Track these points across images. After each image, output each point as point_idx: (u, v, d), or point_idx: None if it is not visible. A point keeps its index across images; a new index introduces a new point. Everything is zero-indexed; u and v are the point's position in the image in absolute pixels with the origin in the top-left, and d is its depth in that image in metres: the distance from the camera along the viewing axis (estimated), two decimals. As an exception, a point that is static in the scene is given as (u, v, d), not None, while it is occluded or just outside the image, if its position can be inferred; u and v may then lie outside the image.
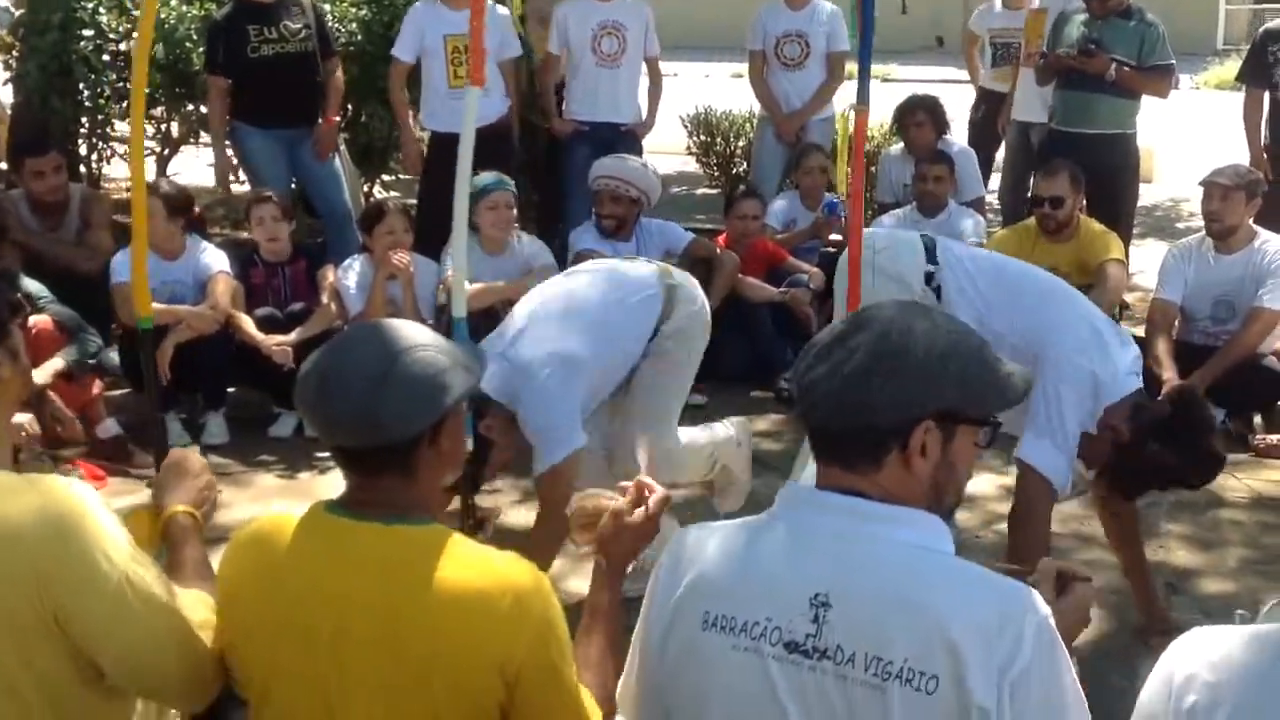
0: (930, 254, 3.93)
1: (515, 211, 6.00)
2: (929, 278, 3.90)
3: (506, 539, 3.72)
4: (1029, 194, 6.36)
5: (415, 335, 2.00)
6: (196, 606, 2.05)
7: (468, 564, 1.91)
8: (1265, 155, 6.59)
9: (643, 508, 2.19)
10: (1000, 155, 8.01)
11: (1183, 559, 4.47)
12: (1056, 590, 2.07)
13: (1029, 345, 3.66)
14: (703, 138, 10.22)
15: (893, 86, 10.60)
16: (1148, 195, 10.29)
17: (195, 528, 2.26)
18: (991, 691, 1.66)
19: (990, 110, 8.03)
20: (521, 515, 4.87)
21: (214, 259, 5.75)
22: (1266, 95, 6.65)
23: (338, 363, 1.97)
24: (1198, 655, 1.64)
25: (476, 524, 3.00)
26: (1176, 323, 5.85)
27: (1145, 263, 7.38)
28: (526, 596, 1.90)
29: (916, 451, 1.79)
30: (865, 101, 3.67)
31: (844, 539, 1.78)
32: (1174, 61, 6.61)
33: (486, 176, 5.78)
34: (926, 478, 1.80)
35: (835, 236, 7.20)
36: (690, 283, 4.15)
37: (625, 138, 7.00)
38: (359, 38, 8.04)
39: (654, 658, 1.88)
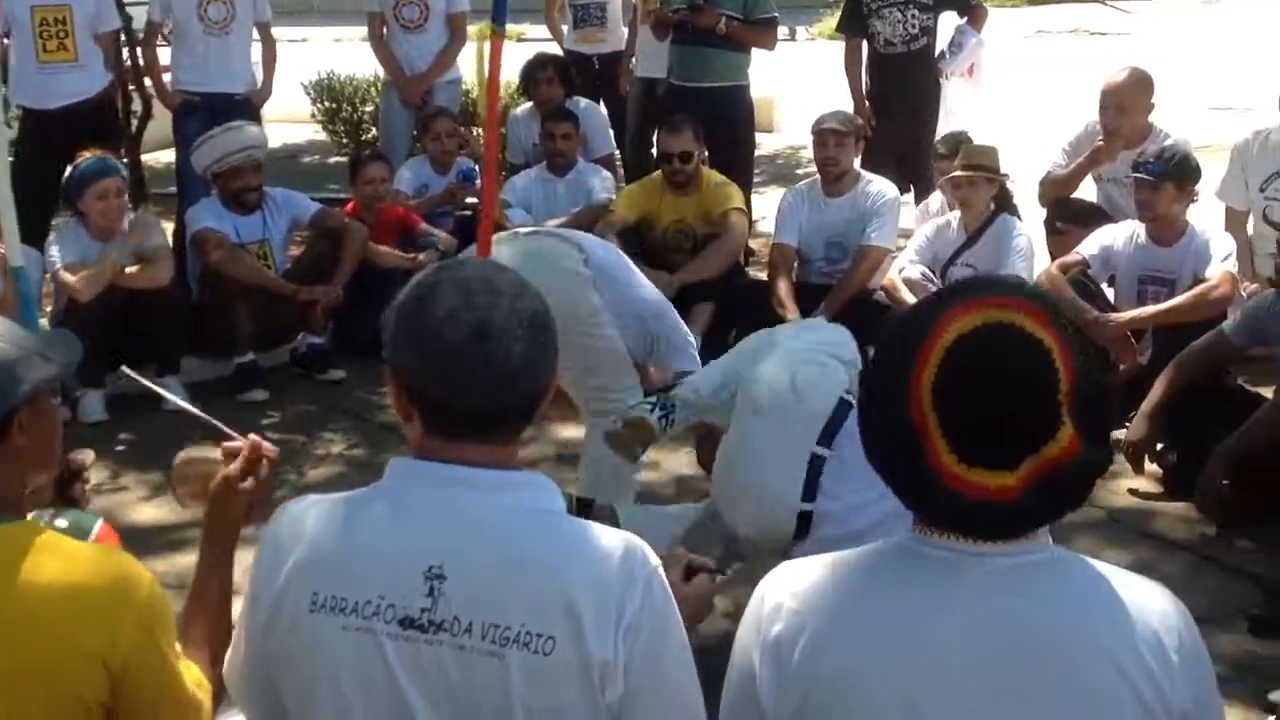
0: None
1: (126, 196, 5.70)
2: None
3: (132, 539, 3.54)
4: (654, 149, 6.50)
5: None
6: None
7: (59, 559, 1.82)
8: (866, 102, 6.97)
9: (253, 477, 2.11)
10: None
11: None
12: (685, 575, 2.14)
13: None
14: (327, 104, 9.94)
15: (527, 46, 10.62)
16: (770, 144, 10.75)
17: None
18: (609, 644, 1.68)
19: (581, 72, 7.91)
20: (148, 511, 4.66)
21: None
22: (865, 44, 7.02)
23: None
24: (783, 585, 1.68)
25: (72, 475, 2.79)
26: (795, 264, 6.14)
27: (768, 209, 7.68)
28: (126, 585, 1.83)
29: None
30: (502, 25, 3.61)
31: (456, 509, 1.75)
32: (777, 14, 6.89)
33: (91, 162, 5.48)
34: None
35: (471, 200, 7.17)
36: None
37: (241, 106, 6.71)
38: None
39: (260, 640, 1.80)
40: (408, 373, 1.77)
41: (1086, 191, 6.26)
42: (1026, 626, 1.56)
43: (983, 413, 1.55)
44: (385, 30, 7.43)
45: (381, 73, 7.87)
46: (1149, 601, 1.61)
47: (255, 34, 7.02)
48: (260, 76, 7.03)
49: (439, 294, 1.76)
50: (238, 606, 1.91)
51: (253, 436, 2.16)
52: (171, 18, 6.77)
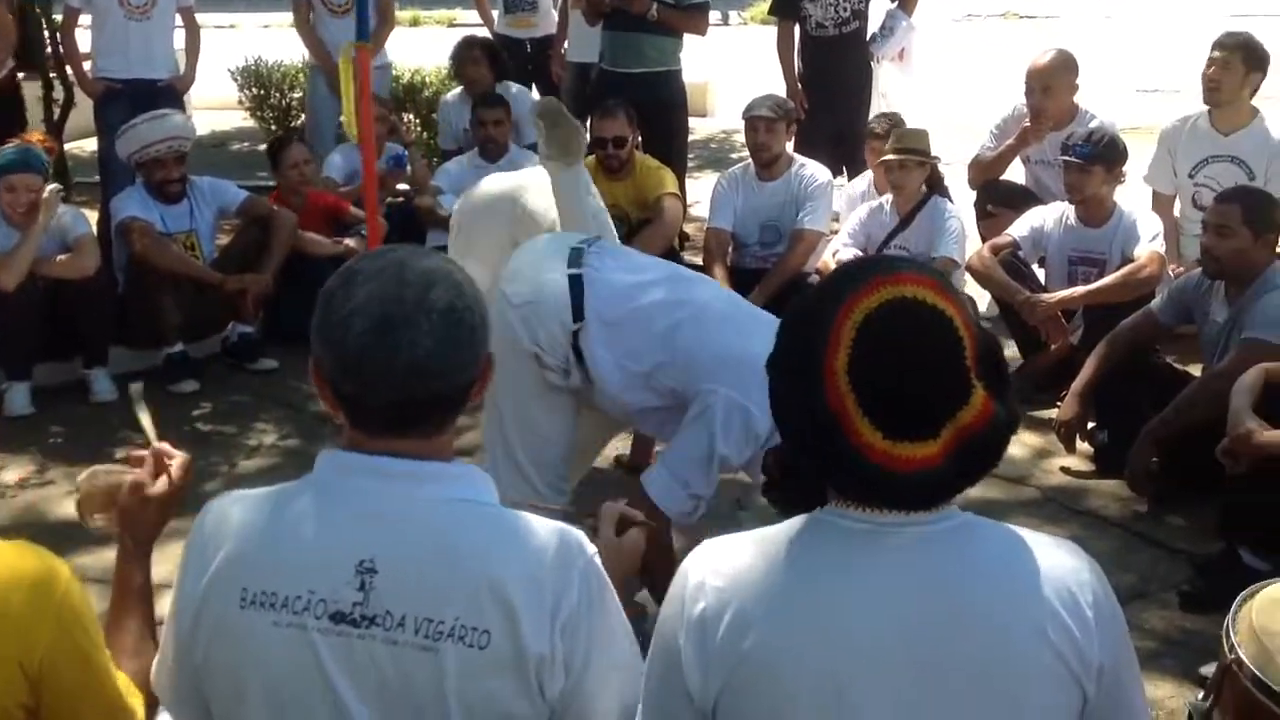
0: (578, 307, 3.52)
1: (51, 188, 5.58)
2: (575, 336, 3.53)
3: (59, 534, 3.48)
4: (589, 135, 6.46)
5: None
6: None
7: None
8: (799, 86, 6.98)
9: (165, 477, 2.09)
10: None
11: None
12: (616, 531, 2.14)
13: (685, 383, 3.47)
14: (255, 91, 9.80)
15: (458, 31, 10.57)
16: (704, 128, 10.76)
17: None
18: (545, 638, 1.67)
19: (513, 57, 7.86)
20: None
21: None
22: (797, 28, 7.02)
23: None
24: (706, 563, 1.68)
25: None
26: (730, 249, 6.14)
27: (703, 194, 7.68)
28: (42, 585, 1.77)
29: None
30: (366, 37, 3.63)
31: (387, 501, 1.72)
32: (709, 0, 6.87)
33: (9, 152, 5.35)
34: None
35: (402, 187, 7.11)
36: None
37: (164, 93, 6.60)
38: None
39: (187, 640, 1.76)
40: (324, 368, 1.74)
41: (1015, 173, 6.31)
42: (947, 593, 1.58)
43: (902, 387, 1.56)
44: (312, 14, 7.32)
45: (309, 58, 7.76)
46: (1061, 560, 1.64)
47: (179, 19, 6.89)
48: (184, 62, 6.91)
49: (352, 286, 1.73)
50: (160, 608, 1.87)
51: (158, 444, 2.13)
52: (91, 3, 6.63)
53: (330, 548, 1.70)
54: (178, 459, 2.11)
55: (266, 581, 1.70)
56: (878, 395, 1.56)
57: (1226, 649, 2.41)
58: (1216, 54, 5.66)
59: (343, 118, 3.56)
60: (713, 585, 1.64)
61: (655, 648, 1.70)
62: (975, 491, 4.66)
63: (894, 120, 6.26)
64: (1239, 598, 2.52)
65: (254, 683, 1.71)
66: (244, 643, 1.71)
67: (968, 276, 5.59)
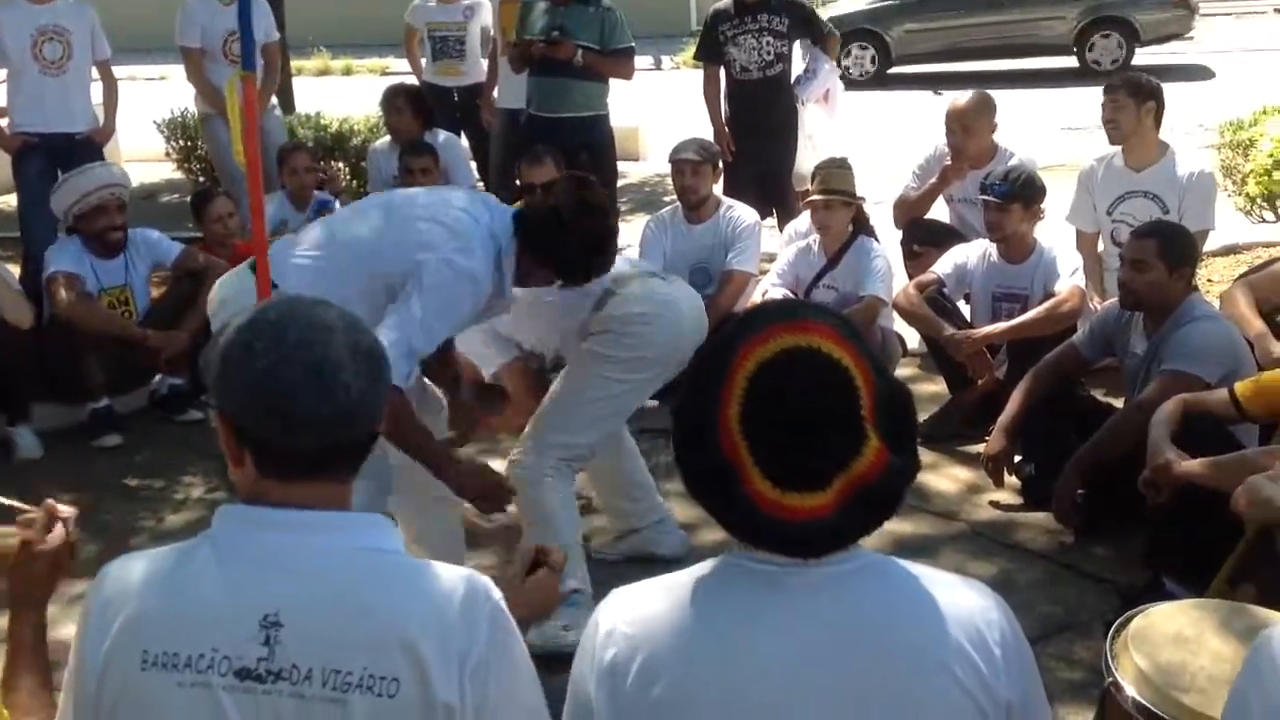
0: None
1: None
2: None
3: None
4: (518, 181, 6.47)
5: None
6: None
7: None
8: (726, 129, 7.04)
9: (60, 527, 2.08)
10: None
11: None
12: (528, 570, 2.13)
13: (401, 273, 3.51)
14: (182, 142, 9.74)
15: (392, 79, 10.59)
16: (637, 172, 10.82)
17: None
18: (454, 685, 1.65)
19: (441, 104, 7.91)
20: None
21: None
22: (723, 72, 7.10)
23: None
24: (616, 611, 1.69)
25: None
26: (660, 292, 6.14)
27: (635, 237, 7.71)
28: None
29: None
30: (251, 68, 3.62)
31: (290, 553, 1.70)
32: (633, 45, 6.93)
33: None
34: None
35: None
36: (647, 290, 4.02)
37: (82, 146, 6.58)
38: None
39: (90, 705, 1.72)
40: (239, 416, 1.72)
41: (939, 212, 6.38)
42: (854, 632, 1.59)
43: (791, 438, 1.57)
44: (206, 62, 7.34)
45: (200, 108, 7.72)
46: (969, 599, 1.65)
47: (96, 73, 6.88)
48: (102, 115, 6.89)
49: (266, 334, 1.71)
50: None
51: (47, 502, 2.12)
52: (6, 59, 6.60)
53: (233, 603, 1.68)
54: (68, 512, 2.10)
55: (168, 642, 1.68)
56: (768, 446, 1.58)
57: (1105, 672, 2.47)
58: (1106, 98, 5.84)
59: (235, 148, 3.53)
60: (623, 632, 1.65)
61: (570, 697, 1.71)
62: (905, 527, 4.74)
63: (840, 164, 6.32)
64: (1115, 623, 2.58)
65: None
66: (148, 706, 1.68)
67: (895, 314, 5.64)
